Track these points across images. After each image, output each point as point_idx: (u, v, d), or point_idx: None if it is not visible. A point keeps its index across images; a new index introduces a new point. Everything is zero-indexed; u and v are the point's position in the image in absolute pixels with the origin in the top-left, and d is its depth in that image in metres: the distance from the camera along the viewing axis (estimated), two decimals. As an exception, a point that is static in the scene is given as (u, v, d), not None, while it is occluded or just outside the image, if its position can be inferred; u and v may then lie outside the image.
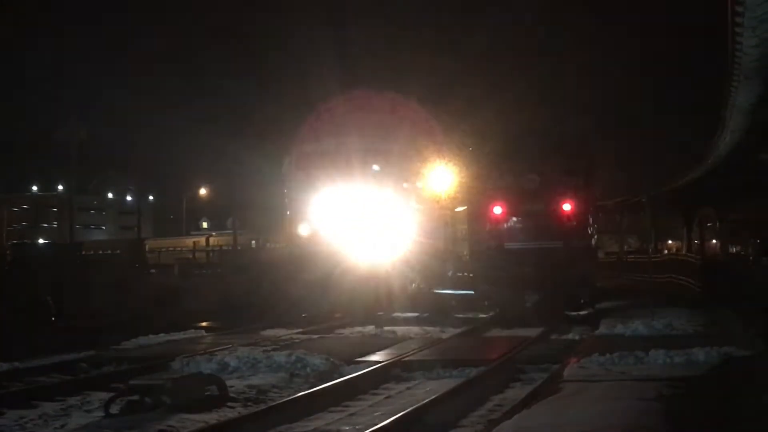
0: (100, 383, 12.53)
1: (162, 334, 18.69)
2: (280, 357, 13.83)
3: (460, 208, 27.06)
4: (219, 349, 15.23)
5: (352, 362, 13.99)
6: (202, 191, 73.81)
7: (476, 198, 23.00)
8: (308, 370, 13.25)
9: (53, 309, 20.75)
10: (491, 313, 22.57)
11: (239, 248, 42.13)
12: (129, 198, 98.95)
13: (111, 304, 21.74)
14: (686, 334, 15.39)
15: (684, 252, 46.02)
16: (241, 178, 50.91)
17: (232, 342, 16.70)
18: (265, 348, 15.33)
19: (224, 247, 44.34)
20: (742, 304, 20.14)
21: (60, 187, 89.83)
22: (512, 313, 20.94)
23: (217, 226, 68.94)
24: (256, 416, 9.94)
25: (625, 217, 50.25)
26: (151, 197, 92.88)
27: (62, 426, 10.03)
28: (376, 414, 10.33)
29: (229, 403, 10.90)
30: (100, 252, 48.51)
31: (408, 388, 12.28)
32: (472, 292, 23.56)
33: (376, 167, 23.31)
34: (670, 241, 67.13)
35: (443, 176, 26.85)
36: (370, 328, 19.95)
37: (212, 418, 10.09)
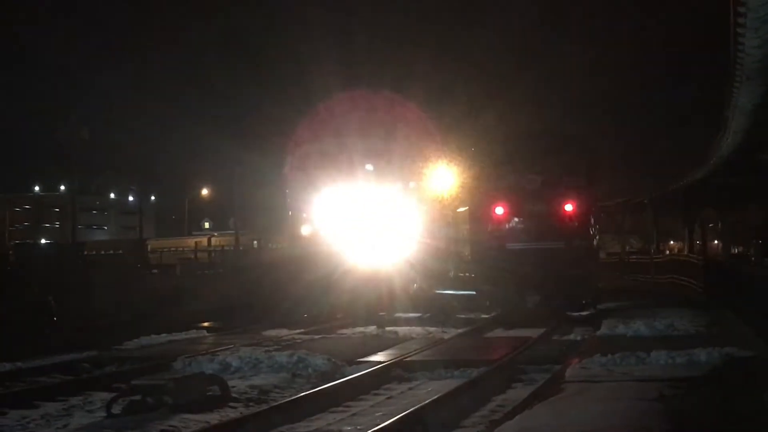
0: (102, 383, 12.54)
1: (164, 334, 18.72)
2: (282, 357, 13.84)
3: (461, 209, 27.05)
4: (221, 350, 15.24)
5: (353, 362, 14.00)
6: (204, 191, 73.81)
7: (478, 198, 22.99)
8: (310, 370, 13.26)
9: (55, 309, 20.72)
10: (493, 314, 22.55)
11: (241, 248, 42.15)
12: (131, 198, 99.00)
13: (113, 304, 21.73)
14: (688, 335, 15.38)
15: (686, 253, 45.99)
16: (242, 179, 50.95)
17: (234, 342, 16.72)
18: (267, 348, 15.34)
19: (226, 248, 44.34)
20: (744, 304, 20.13)
21: (62, 188, 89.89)
22: (514, 313, 20.94)
23: (218, 226, 68.92)
24: (258, 416, 9.95)
25: (627, 217, 50.26)
26: (153, 197, 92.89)
27: (64, 426, 10.04)
28: (377, 414, 10.33)
29: (231, 404, 10.92)
30: (102, 252, 48.48)
31: (410, 389, 12.28)
32: (474, 293, 23.55)
33: (369, 167, 23.31)
34: (671, 242, 67.09)
35: (445, 176, 26.86)
36: (371, 329, 19.97)
37: (214, 418, 10.10)
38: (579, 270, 20.94)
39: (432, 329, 19.69)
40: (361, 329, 20.08)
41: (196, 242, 48.66)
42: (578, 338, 17.69)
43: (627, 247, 53.90)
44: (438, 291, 24.84)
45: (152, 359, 14.69)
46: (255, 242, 46.16)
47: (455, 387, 11.53)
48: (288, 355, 13.97)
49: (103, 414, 10.35)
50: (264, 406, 10.72)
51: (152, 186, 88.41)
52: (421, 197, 25.81)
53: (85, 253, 33.07)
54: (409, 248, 23.34)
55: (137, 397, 10.46)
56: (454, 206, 27.53)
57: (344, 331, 20.13)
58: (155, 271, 33.21)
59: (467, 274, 26.37)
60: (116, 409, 10.33)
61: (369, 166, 23.46)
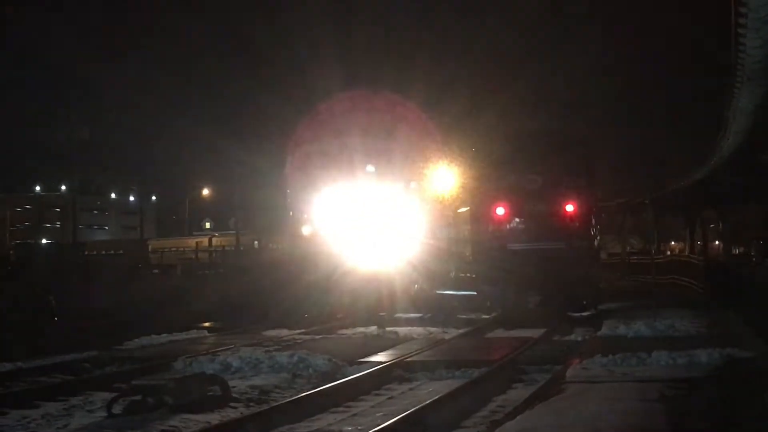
0: (103, 383, 12.54)
1: (164, 335, 18.73)
2: (283, 357, 13.84)
3: (462, 209, 27.05)
4: (221, 350, 15.24)
5: (354, 363, 14.00)
6: (205, 192, 73.80)
7: (479, 199, 22.99)
8: (311, 370, 13.26)
9: (56, 309, 20.75)
10: (493, 314, 22.56)
11: (242, 249, 42.14)
12: (132, 198, 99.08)
13: (113, 304, 21.74)
14: (689, 335, 15.38)
15: (686, 253, 45.97)
16: (243, 179, 50.96)
17: (234, 342, 16.72)
18: (267, 348, 15.34)
19: (227, 248, 44.33)
20: (745, 305, 20.13)
21: (63, 187, 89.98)
22: (515, 313, 20.94)
23: (219, 226, 68.89)
24: (259, 417, 9.95)
25: (628, 218, 50.23)
26: (153, 197, 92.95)
27: (65, 426, 10.04)
28: (378, 415, 10.33)
29: (231, 404, 10.92)
30: (103, 252, 48.59)
31: (410, 389, 12.27)
32: (475, 293, 23.54)
33: (370, 167, 23.30)
34: (672, 242, 67.05)
35: (446, 177, 26.86)
36: (372, 329, 19.97)
37: (215, 418, 10.10)
38: (580, 270, 20.93)
39: (433, 329, 19.70)
40: (362, 329, 20.08)
41: (196, 242, 48.59)
42: (579, 339, 17.68)
43: (628, 248, 53.85)
44: (439, 291, 24.83)
45: (153, 359, 14.69)
46: (255, 242, 46.11)
47: (456, 387, 11.53)
48: (288, 355, 13.97)
49: (104, 414, 10.36)
50: (265, 407, 10.72)
51: (153, 186, 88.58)
52: (422, 197, 25.82)
53: (86, 253, 33.17)
54: (410, 248, 23.34)
55: (138, 397, 10.46)
56: (454, 206, 27.54)
57: (345, 331, 20.13)
58: (156, 271, 33.30)
59: (468, 275, 26.36)
60: (117, 409, 10.34)
61: (370, 167, 23.47)
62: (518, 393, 11.61)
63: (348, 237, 22.48)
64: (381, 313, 22.04)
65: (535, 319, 19.98)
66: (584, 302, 22.03)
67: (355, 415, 10.50)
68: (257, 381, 12.43)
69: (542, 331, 18.57)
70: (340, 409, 10.78)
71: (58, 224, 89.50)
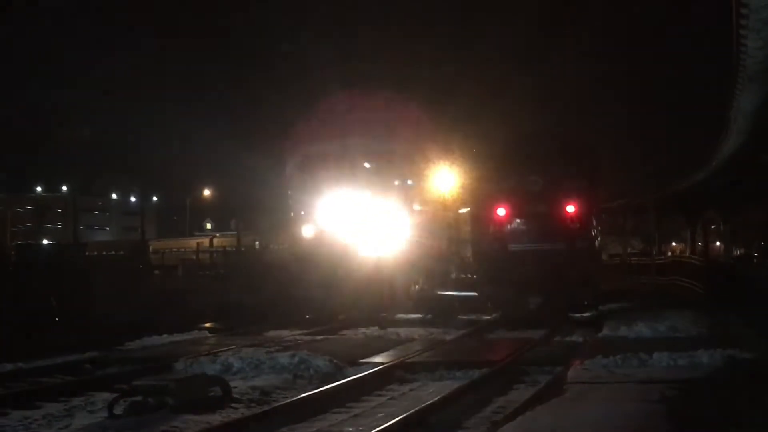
0: (104, 384, 12.53)
1: (165, 335, 18.72)
2: (284, 358, 13.84)
3: (463, 210, 27.04)
4: (222, 350, 15.24)
5: (355, 363, 14.00)
6: (206, 192, 73.90)
7: (480, 200, 22.99)
8: (312, 371, 13.26)
9: (57, 310, 20.76)
10: (494, 315, 22.55)
11: (243, 249, 42.15)
12: (133, 199, 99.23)
13: (115, 304, 21.74)
14: (690, 337, 15.38)
15: (688, 254, 45.98)
16: (244, 180, 51.03)
17: (235, 343, 16.72)
18: (268, 349, 15.32)
19: (228, 248, 44.34)
20: (746, 306, 20.13)
21: (64, 188, 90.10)
22: (516, 314, 20.93)
23: (220, 227, 68.99)
24: (260, 417, 9.96)
25: (629, 219, 50.22)
26: (154, 198, 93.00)
27: (66, 426, 10.04)
28: (379, 415, 10.33)
29: (232, 404, 10.92)
30: (104, 253, 48.57)
31: (411, 390, 12.27)
32: (476, 294, 23.54)
33: (371, 168, 23.27)
34: (673, 244, 67.07)
35: (447, 178, 26.84)
36: (373, 330, 19.96)
37: (216, 419, 10.10)
38: (581, 271, 20.92)
39: (434, 330, 19.69)
40: (363, 330, 20.07)
41: (197, 243, 48.62)
42: (580, 340, 17.66)
43: (629, 249, 53.86)
44: (440, 292, 24.83)
45: (154, 360, 14.69)
46: (257, 243, 46.10)
47: (457, 388, 11.54)
48: (290, 356, 13.97)
49: (105, 414, 10.36)
50: (266, 407, 10.71)
51: (154, 186, 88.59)
52: (423, 198, 25.79)
53: (87, 253, 33.14)
54: (411, 249, 23.33)
55: (139, 398, 10.46)
56: (455, 207, 27.52)
57: (346, 332, 20.12)
58: (157, 271, 33.25)
59: (469, 276, 26.37)
60: (118, 410, 10.34)
61: (370, 167, 23.45)
62: (519, 394, 11.60)
63: (349, 238, 22.46)
64: (382, 314, 22.03)
65: (536, 320, 19.98)
66: (585, 303, 22.02)
67: (356, 415, 10.50)
68: (258, 382, 12.43)
69: (543, 332, 18.57)
70: (342, 409, 10.77)
71: (59, 225, 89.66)
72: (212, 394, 11.06)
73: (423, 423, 9.66)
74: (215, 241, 51.88)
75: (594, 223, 22.08)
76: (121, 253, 46.53)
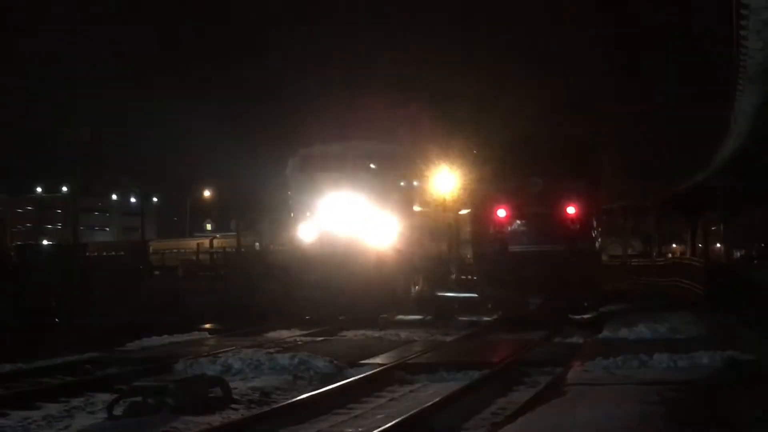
0: (104, 385, 12.51)
1: (165, 336, 18.70)
2: (284, 359, 13.83)
3: (464, 211, 27.04)
4: (222, 351, 15.24)
5: (355, 365, 13.98)
6: (206, 193, 73.89)
7: (480, 201, 22.96)
8: (312, 372, 13.25)
9: (57, 310, 20.76)
10: (495, 316, 22.53)
11: (243, 250, 42.16)
12: (133, 199, 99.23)
13: (115, 305, 21.74)
14: (690, 338, 15.37)
15: (688, 256, 45.95)
16: (244, 180, 51.06)
17: (235, 344, 16.71)
18: (268, 350, 15.32)
19: (228, 249, 44.35)
20: (746, 308, 20.11)
21: (64, 189, 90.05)
22: (516, 316, 20.92)
23: (220, 227, 69.01)
24: (260, 418, 9.95)
25: (629, 220, 50.20)
26: (154, 199, 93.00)
27: (66, 427, 10.04)
28: (379, 416, 10.33)
29: (232, 405, 10.91)
30: (104, 254, 48.56)
31: (411, 391, 12.26)
32: (476, 295, 23.53)
33: (372, 169, 23.26)
34: (674, 245, 67.04)
35: (447, 179, 26.85)
36: (373, 331, 19.94)
37: (216, 420, 10.09)
38: (581, 272, 20.90)
39: (434, 332, 19.67)
40: (363, 331, 20.04)
41: (198, 244, 48.63)
42: (580, 341, 17.64)
43: (629, 250, 53.85)
44: (440, 293, 24.83)
45: (154, 361, 14.68)
46: (257, 244, 46.11)
47: (457, 389, 11.53)
48: (290, 357, 13.96)
49: (105, 415, 10.36)
50: (266, 408, 10.71)
51: (154, 187, 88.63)
52: (424, 199, 25.80)
53: (87, 254, 33.14)
54: (411, 250, 23.33)
55: (139, 399, 10.46)
56: (456, 208, 27.52)
57: (346, 333, 20.10)
58: (157, 272, 33.29)
59: (469, 277, 26.36)
60: (118, 411, 10.33)
61: (371, 168, 23.45)
62: (519, 395, 11.60)
63: (349, 239, 22.45)
64: (382, 315, 22.03)
65: (536, 321, 19.96)
66: (585, 304, 22.01)
67: (356, 416, 10.50)
68: (258, 383, 12.42)
69: (543, 333, 18.56)
70: (342, 410, 10.76)
71: (59, 225, 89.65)
72: (212, 395, 11.05)
73: (423, 424, 9.65)
74: (215, 241, 51.90)
75: (594, 224, 22.06)
76: (122, 253, 46.56)
